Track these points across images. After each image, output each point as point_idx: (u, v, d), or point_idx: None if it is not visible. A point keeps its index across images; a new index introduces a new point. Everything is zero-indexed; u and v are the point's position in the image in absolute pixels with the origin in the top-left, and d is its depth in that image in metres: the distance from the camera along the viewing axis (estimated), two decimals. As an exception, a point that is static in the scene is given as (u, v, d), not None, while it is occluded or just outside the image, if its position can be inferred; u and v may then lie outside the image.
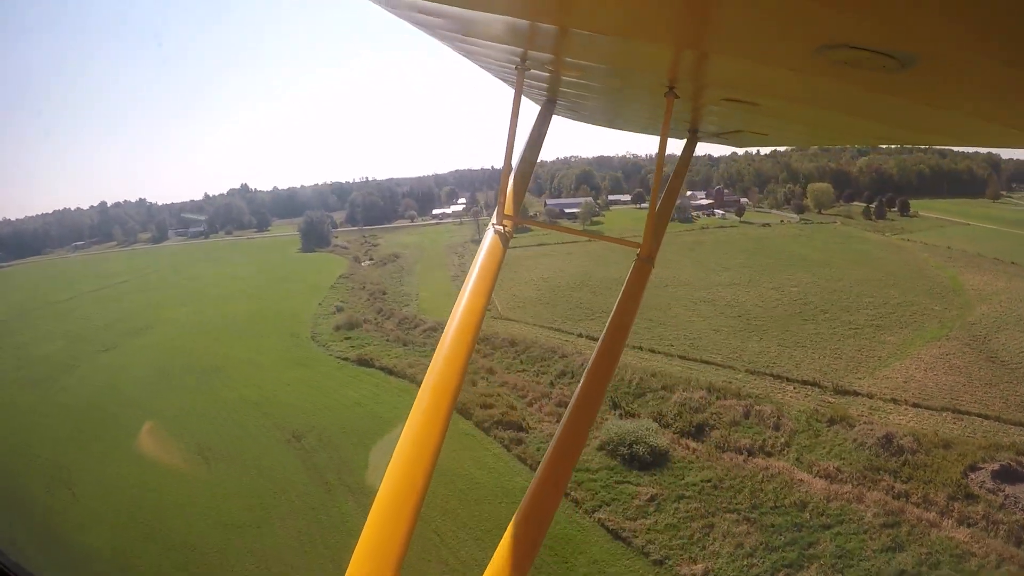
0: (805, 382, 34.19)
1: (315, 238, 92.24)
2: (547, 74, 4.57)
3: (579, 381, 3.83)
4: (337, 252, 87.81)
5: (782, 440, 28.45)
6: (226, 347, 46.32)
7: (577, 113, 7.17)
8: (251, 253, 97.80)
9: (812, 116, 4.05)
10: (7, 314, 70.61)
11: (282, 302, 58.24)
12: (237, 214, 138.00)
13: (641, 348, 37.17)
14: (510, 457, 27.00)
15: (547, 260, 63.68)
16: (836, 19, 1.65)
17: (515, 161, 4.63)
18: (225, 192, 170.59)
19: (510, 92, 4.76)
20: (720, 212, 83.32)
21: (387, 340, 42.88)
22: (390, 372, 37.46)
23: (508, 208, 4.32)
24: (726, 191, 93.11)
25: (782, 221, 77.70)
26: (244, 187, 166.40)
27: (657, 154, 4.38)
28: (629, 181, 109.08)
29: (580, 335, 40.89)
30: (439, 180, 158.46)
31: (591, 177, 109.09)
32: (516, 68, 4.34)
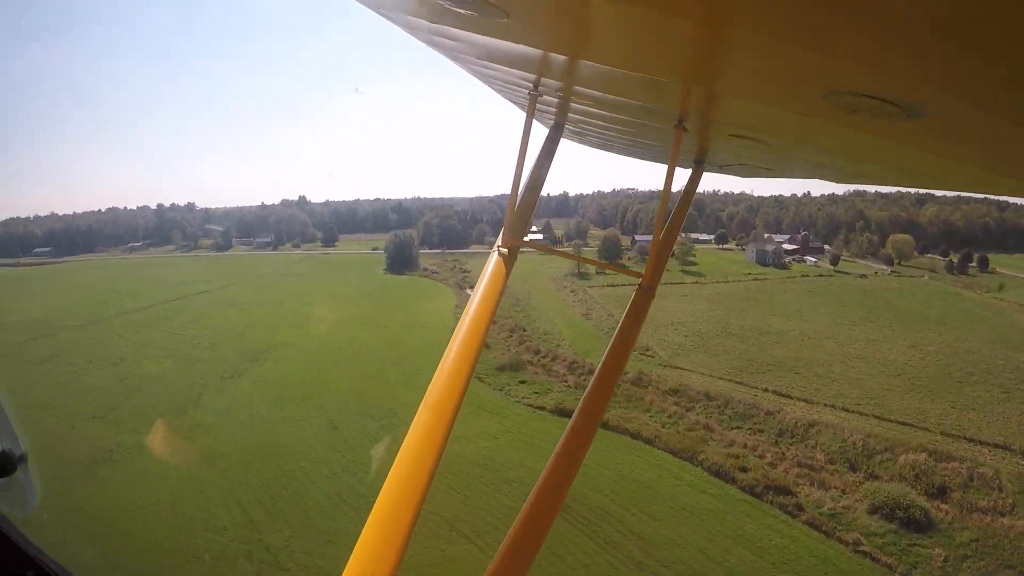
0: (996, 445, 37.41)
1: (402, 260, 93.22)
2: (557, 99, 4.68)
3: (576, 406, 3.98)
4: (428, 276, 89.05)
5: (1009, 500, 31.60)
6: (379, 385, 44.22)
7: (584, 138, 7.29)
8: (334, 271, 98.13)
9: (818, 155, 4.14)
10: (83, 319, 69.97)
11: (408, 332, 58.30)
12: (300, 227, 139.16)
13: (835, 407, 39.74)
14: (799, 524, 28.21)
15: (666, 302, 66.69)
16: (843, 68, 1.76)
17: (522, 184, 4.73)
18: (278, 202, 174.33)
19: (518, 113, 4.95)
20: (812, 259, 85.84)
21: (568, 386, 43.41)
22: (606, 427, 35.98)
23: (514, 231, 4.45)
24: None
25: (876, 273, 79.94)
26: (302, 199, 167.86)
27: (664, 184, 4.46)
28: (706, 219, 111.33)
29: (766, 389, 42.81)
30: (494, 202, 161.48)
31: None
32: (528, 93, 4.46)
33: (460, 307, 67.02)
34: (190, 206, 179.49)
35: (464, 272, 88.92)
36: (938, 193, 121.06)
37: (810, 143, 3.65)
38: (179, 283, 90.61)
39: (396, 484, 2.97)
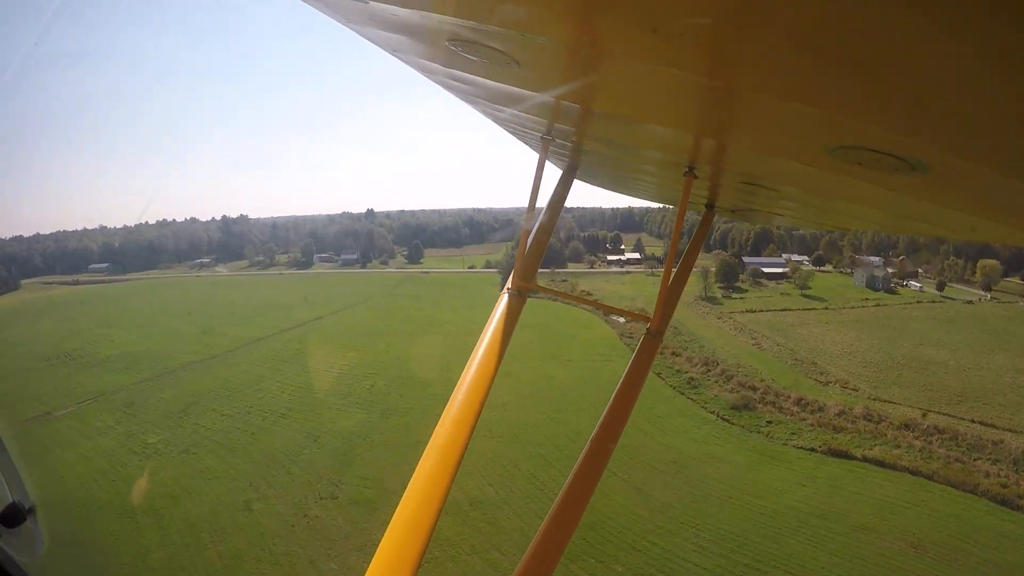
0: None
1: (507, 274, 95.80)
2: (570, 144, 4.78)
3: (581, 450, 4.13)
4: (554, 299, 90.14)
5: None
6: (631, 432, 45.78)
7: (597, 179, 7.33)
8: (445, 293, 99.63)
9: (827, 204, 4.22)
10: (195, 352, 69.54)
11: (599, 367, 60.05)
12: (380, 242, 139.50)
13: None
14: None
15: (814, 329, 72.41)
16: (848, 125, 1.84)
17: (535, 226, 4.85)
18: (339, 213, 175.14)
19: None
20: (917, 284, 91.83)
21: (810, 425, 47.06)
22: (880, 464, 40.87)
23: (525, 273, 4.55)
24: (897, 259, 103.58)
25: (980, 299, 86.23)
26: (371, 212, 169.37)
27: (674, 228, 4.56)
28: (800, 242, 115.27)
29: (973, 420, 48.08)
30: (580, 217, 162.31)
31: (770, 236, 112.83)
32: (541, 137, 4.61)
33: (625, 336, 73.15)
34: (243, 218, 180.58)
35: (587, 294, 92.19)
36: None
37: (818, 193, 3.76)
38: (280, 306, 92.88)
39: (398, 532, 3.06)
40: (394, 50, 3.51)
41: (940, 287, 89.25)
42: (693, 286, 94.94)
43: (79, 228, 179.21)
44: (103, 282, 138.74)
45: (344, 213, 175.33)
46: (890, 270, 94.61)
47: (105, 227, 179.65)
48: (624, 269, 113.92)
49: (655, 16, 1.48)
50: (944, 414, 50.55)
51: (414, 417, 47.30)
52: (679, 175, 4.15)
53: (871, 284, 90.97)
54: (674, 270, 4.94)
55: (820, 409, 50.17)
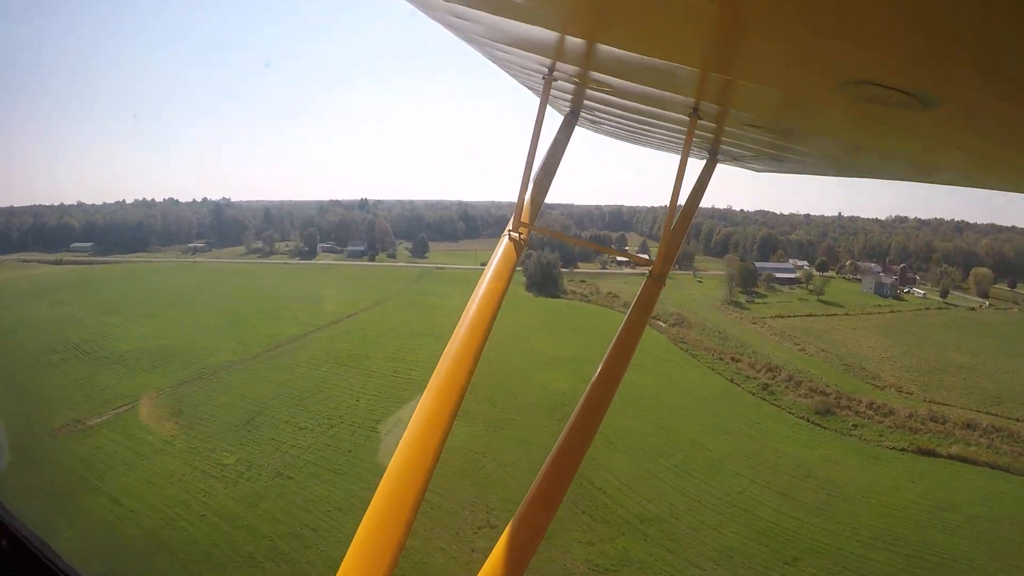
0: None
1: (546, 281, 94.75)
2: (572, 86, 4.70)
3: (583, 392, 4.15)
4: (584, 300, 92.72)
5: None
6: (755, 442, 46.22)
7: (599, 126, 7.44)
8: (469, 291, 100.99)
9: (834, 148, 4.23)
10: (231, 350, 65.36)
11: (672, 372, 62.00)
12: (380, 234, 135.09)
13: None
14: None
15: (846, 335, 76.78)
16: (860, 57, 1.80)
17: (535, 170, 4.79)
18: (327, 201, 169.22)
19: (533, 101, 5.08)
20: (920, 292, 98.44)
21: (888, 427, 50.76)
22: (966, 461, 44.44)
23: (525, 216, 4.56)
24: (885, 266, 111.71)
25: (980, 306, 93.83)
26: (365, 201, 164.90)
27: (676, 174, 4.52)
28: (799, 247, 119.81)
29: None
30: (589, 213, 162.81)
31: (775, 241, 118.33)
32: (543, 78, 4.53)
33: (685, 343, 73.88)
34: (227, 201, 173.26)
35: (614, 297, 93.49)
36: (971, 220, 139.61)
37: (824, 134, 3.74)
38: (302, 299, 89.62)
39: (397, 471, 3.03)
40: None
41: (943, 294, 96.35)
42: (716, 289, 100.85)
43: (56, 203, 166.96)
44: (88, 263, 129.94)
45: (333, 201, 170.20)
46: (886, 278, 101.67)
47: (83, 203, 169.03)
48: (635, 270, 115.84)
49: None
50: (991, 414, 56.02)
51: (523, 430, 46.58)
52: (683, 118, 4.19)
53: (879, 291, 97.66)
54: (676, 217, 4.96)
55: (891, 412, 54.21)
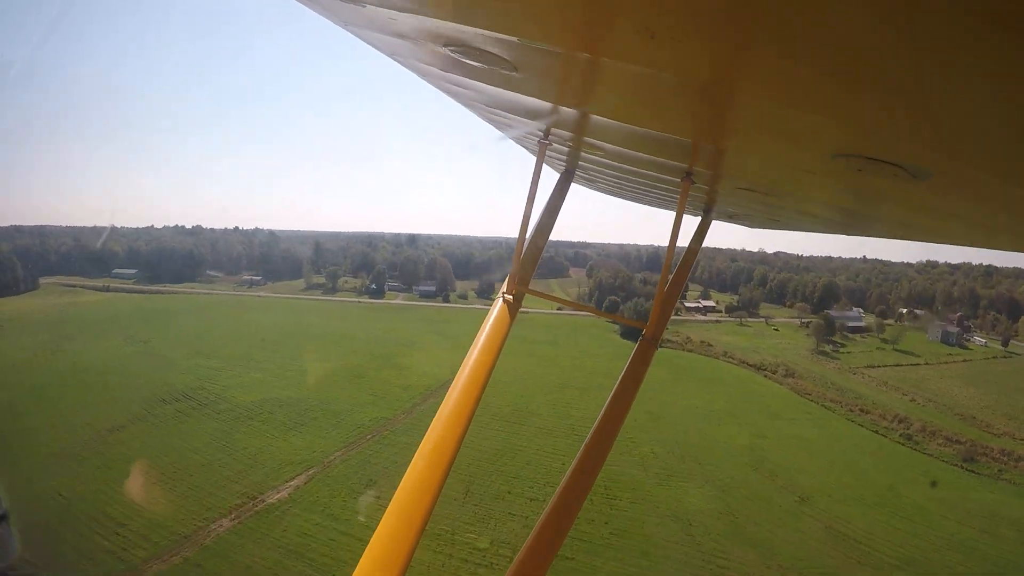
0: None
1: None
2: (568, 148, 5.04)
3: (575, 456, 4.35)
4: (687, 349, 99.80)
5: None
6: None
7: (594, 184, 7.84)
8: (568, 339, 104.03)
9: (828, 211, 4.40)
10: (396, 401, 67.19)
11: (823, 426, 70.52)
12: (442, 272, 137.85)
13: None
14: None
15: (940, 384, 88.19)
16: (851, 133, 1.91)
17: (530, 231, 5.08)
18: (370, 233, 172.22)
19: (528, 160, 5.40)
20: (981, 340, 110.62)
21: None
22: None
23: (520, 277, 4.86)
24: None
25: None
26: (413, 237, 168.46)
27: (671, 233, 4.69)
28: (868, 296, 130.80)
29: None
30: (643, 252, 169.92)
31: (837, 289, 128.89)
32: (539, 141, 4.85)
33: (808, 394, 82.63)
34: (270, 232, 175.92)
35: (708, 345, 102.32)
36: (999, 265, 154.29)
37: (816, 199, 3.90)
38: (407, 344, 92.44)
39: (394, 513, 3.23)
40: (392, 53, 3.71)
41: (1005, 342, 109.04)
42: (794, 338, 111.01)
43: (90, 225, 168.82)
44: (137, 291, 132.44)
45: (374, 234, 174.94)
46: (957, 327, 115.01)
47: (117, 227, 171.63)
48: (708, 318, 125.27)
49: (653, 22, 1.57)
50: None
51: (757, 487, 54.47)
52: (676, 180, 4.47)
53: (945, 339, 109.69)
54: (670, 277, 5.24)
55: (1021, 458, 64.88)
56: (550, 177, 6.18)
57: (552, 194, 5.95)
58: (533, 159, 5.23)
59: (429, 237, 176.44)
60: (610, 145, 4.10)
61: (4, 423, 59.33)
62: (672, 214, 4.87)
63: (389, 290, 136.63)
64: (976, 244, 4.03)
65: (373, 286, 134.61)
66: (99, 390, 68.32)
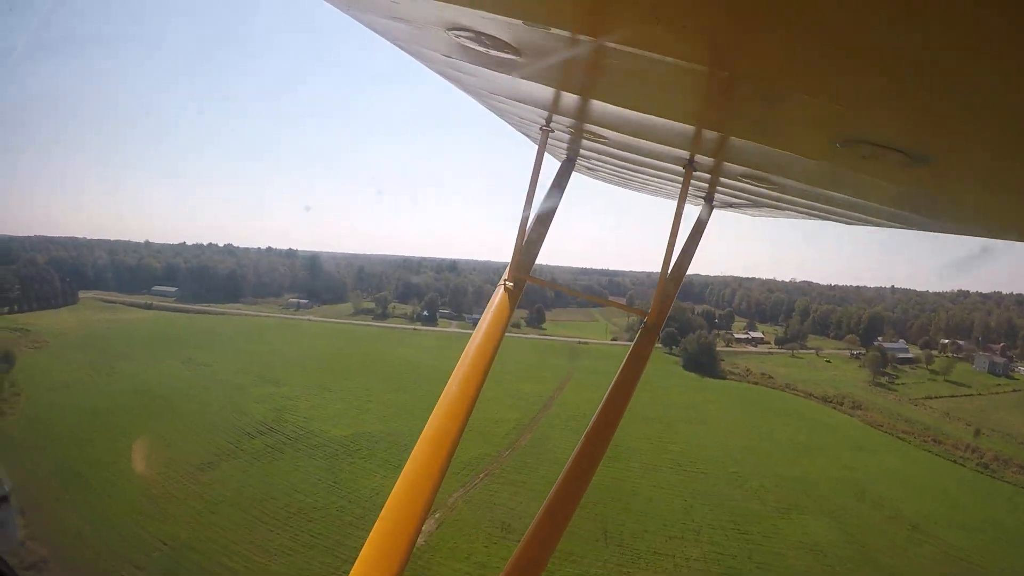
0: None
1: (705, 359, 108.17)
2: (569, 135, 5.18)
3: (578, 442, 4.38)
4: (739, 380, 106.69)
5: None
6: None
7: (595, 172, 8.04)
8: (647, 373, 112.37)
9: (829, 196, 4.41)
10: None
11: (908, 457, 75.80)
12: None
13: None
14: None
15: (1005, 415, 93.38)
16: (854, 119, 1.94)
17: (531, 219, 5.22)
18: (406, 257, 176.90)
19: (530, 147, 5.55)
20: None
21: None
22: None
23: (521, 265, 5.02)
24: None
25: None
26: (453, 263, 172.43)
27: (672, 222, 4.88)
28: (908, 327, 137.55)
29: None
30: (636, 280, 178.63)
31: (882, 321, 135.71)
32: (540, 129, 4.98)
33: (881, 426, 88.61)
34: (291, 252, 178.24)
35: (769, 377, 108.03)
36: None
37: (821, 184, 3.96)
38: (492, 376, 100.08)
39: (396, 502, 3.40)
40: (394, 39, 3.77)
41: None
42: (847, 370, 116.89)
43: (123, 239, 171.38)
44: (180, 310, 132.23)
45: (409, 258, 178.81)
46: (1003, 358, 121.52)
47: (151, 243, 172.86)
48: (758, 349, 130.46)
49: (659, 5, 1.59)
50: None
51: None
52: (679, 168, 4.64)
53: (992, 370, 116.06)
54: (671, 266, 5.37)
55: None
56: (551, 166, 6.25)
57: (553, 183, 6.11)
58: (547, 160, 5.47)
59: (467, 262, 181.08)
60: (612, 133, 4.22)
61: (72, 453, 58.78)
62: (673, 204, 5.03)
63: (440, 317, 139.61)
64: (977, 233, 4.16)
65: (425, 313, 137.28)
66: (170, 418, 68.60)
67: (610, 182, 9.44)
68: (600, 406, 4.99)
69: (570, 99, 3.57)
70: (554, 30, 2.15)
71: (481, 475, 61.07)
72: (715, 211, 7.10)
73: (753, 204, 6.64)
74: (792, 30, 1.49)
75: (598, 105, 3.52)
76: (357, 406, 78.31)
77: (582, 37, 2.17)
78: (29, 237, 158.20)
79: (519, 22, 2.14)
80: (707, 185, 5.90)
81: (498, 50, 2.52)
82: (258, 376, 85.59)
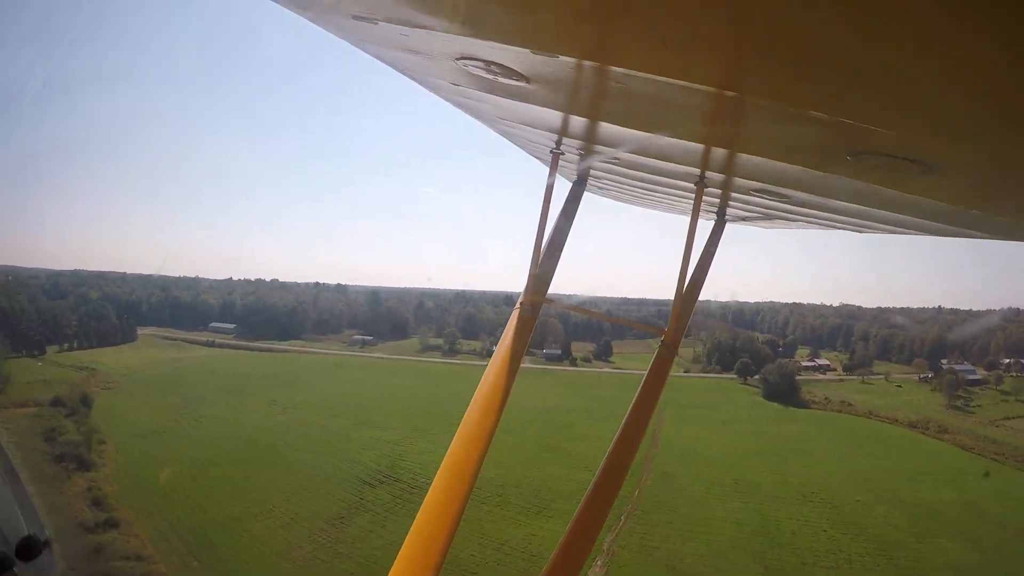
0: None
1: (787, 389, 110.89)
2: (579, 156, 5.46)
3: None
4: (821, 409, 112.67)
5: None
6: None
7: (607, 191, 8.32)
8: (725, 403, 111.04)
9: (842, 206, 4.57)
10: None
11: (1013, 480, 78.89)
12: (552, 333, 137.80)
13: None
14: None
15: None
16: (864, 132, 2.00)
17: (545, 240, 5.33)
18: (450, 289, 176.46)
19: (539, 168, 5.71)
20: None
21: None
22: None
23: (536, 287, 5.23)
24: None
25: None
26: (508, 296, 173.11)
27: (686, 239, 5.10)
28: (970, 348, 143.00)
29: None
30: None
31: (946, 344, 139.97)
32: (551, 152, 5.27)
33: (972, 449, 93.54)
34: (340, 287, 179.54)
35: (848, 404, 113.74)
36: None
37: (832, 196, 4.09)
38: (564, 411, 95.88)
39: (420, 528, 3.41)
40: (403, 68, 3.92)
41: None
42: (919, 394, 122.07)
43: (173, 275, 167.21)
44: (242, 347, 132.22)
45: (459, 291, 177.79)
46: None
47: (202, 278, 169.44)
48: (827, 376, 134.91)
49: (666, 31, 1.64)
50: None
51: None
52: (690, 184, 4.86)
53: None
54: (687, 282, 5.51)
55: None
56: (563, 187, 6.34)
57: (565, 204, 6.30)
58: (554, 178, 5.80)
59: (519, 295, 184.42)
60: (622, 152, 4.49)
61: (189, 513, 58.65)
62: (685, 220, 5.26)
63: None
64: (989, 235, 4.40)
65: (493, 348, 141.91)
66: (280, 469, 68.47)
67: (620, 200, 9.68)
68: (620, 426, 5.10)
69: (579, 122, 3.85)
70: (562, 57, 2.29)
71: (622, 517, 62.61)
72: (730, 226, 7.22)
73: (765, 217, 6.83)
74: (797, 51, 1.60)
75: (608, 127, 3.78)
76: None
77: (590, 63, 2.34)
78: (75, 271, 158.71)
79: (527, 51, 2.27)
80: (719, 200, 6.03)
81: (507, 78, 2.67)
82: (355, 420, 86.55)
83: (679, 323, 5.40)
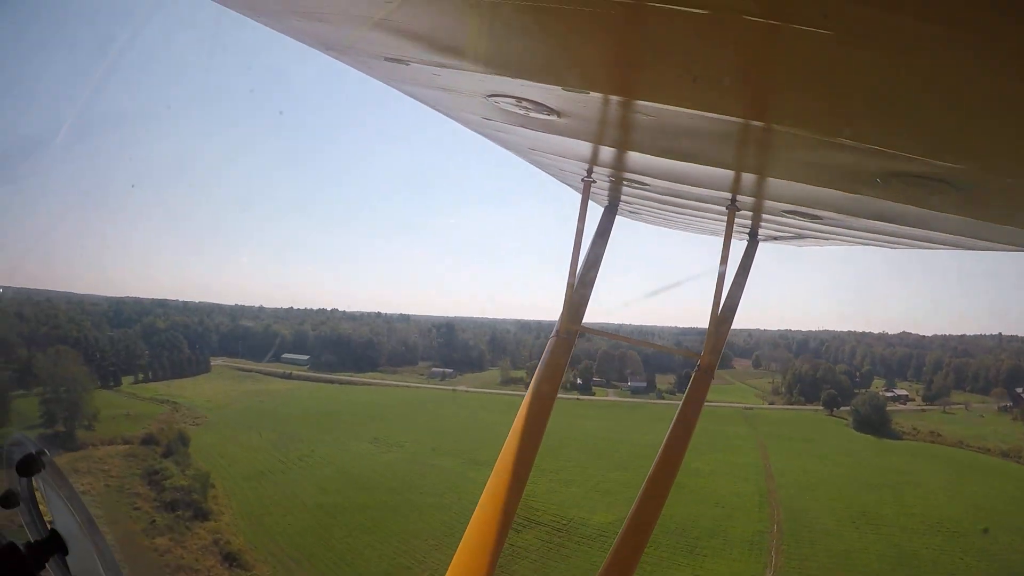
0: None
1: (878, 420, 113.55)
2: (610, 183, 5.52)
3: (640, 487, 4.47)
4: (913, 439, 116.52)
5: None
6: None
7: (639, 215, 8.40)
8: (807, 435, 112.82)
9: (873, 225, 4.71)
10: None
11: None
12: (632, 365, 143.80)
13: None
14: None
15: None
16: (894, 157, 2.05)
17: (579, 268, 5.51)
18: (513, 319, 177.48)
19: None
20: None
21: None
22: None
23: (572, 315, 5.34)
24: None
25: None
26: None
27: (720, 261, 5.25)
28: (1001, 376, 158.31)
29: None
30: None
31: (1019, 370, 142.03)
32: (582, 180, 5.35)
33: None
34: (403, 316, 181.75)
35: (937, 435, 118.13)
36: None
37: (863, 215, 4.24)
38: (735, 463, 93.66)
39: (465, 552, 3.57)
40: (434, 104, 4.08)
41: None
42: (1008, 423, 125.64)
43: (230, 303, 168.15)
44: (320, 380, 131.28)
45: (526, 323, 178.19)
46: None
47: (265, 307, 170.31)
48: (907, 406, 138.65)
49: (695, 67, 1.71)
50: None
51: None
52: (721, 208, 4.97)
53: None
54: (721, 305, 5.70)
55: None
56: (595, 212, 6.47)
57: (598, 229, 6.47)
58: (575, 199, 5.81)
59: (587, 324, 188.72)
60: (653, 179, 4.54)
61: (341, 572, 57.44)
62: (718, 241, 5.37)
63: (594, 385, 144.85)
64: (1010, 248, 4.42)
65: (579, 381, 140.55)
66: (412, 514, 66.78)
67: (653, 223, 9.88)
68: (659, 452, 5.40)
69: (610, 152, 4.03)
70: (593, 94, 2.38)
71: (772, 554, 66.35)
72: (772, 251, 7.37)
73: (798, 236, 7.04)
74: (825, 83, 1.66)
75: (638, 156, 3.91)
76: (592, 487, 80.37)
77: (619, 98, 2.45)
78: (136, 299, 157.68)
79: (558, 88, 2.38)
80: (750, 221, 6.19)
81: (538, 112, 2.75)
82: (466, 459, 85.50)
83: (715, 346, 5.66)
